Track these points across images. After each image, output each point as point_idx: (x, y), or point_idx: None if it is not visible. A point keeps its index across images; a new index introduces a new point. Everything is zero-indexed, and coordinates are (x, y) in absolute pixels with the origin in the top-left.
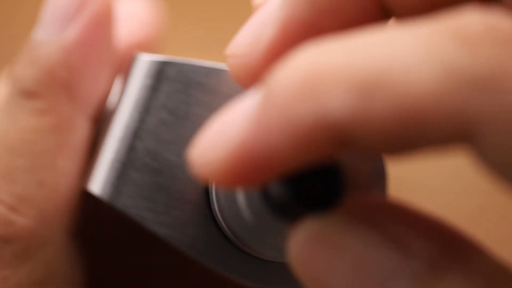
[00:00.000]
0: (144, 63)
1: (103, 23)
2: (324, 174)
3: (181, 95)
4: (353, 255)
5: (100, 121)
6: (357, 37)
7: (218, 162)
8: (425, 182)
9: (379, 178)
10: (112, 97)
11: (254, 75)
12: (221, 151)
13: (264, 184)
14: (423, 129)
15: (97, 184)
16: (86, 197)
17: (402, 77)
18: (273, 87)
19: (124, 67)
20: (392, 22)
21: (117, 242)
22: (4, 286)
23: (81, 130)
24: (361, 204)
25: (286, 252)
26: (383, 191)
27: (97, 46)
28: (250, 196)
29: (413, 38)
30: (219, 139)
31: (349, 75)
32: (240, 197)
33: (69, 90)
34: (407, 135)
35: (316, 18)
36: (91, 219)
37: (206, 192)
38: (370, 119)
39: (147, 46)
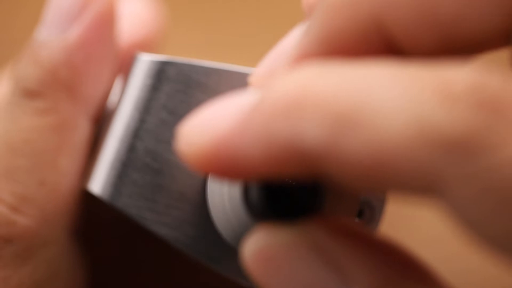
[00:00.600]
0: (144, 63)
1: (105, 23)
2: (304, 186)
3: (182, 95)
4: (294, 276)
5: (101, 121)
6: (352, 68)
7: (197, 147)
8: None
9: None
10: (113, 97)
11: None
12: (202, 138)
13: (242, 183)
14: (388, 176)
15: (97, 184)
16: (87, 197)
17: (377, 120)
18: (265, 96)
19: (125, 67)
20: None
21: (118, 242)
22: (5, 286)
23: (82, 129)
24: (315, 226)
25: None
26: (380, 207)
27: (100, 46)
28: (233, 198)
29: (399, 82)
30: (206, 125)
31: (329, 106)
32: (226, 199)
33: (71, 90)
34: (373, 177)
35: (327, 57)
36: (92, 219)
37: (205, 192)
38: (339, 154)
39: (147, 45)
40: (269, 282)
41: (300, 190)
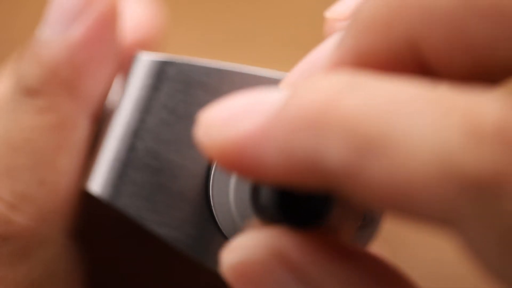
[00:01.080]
0: (144, 62)
1: (107, 23)
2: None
3: (182, 95)
4: None
5: (101, 121)
6: (381, 85)
7: (218, 141)
8: None
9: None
10: (113, 97)
11: None
12: (224, 133)
13: (252, 184)
14: (407, 205)
15: (97, 183)
16: (86, 197)
17: (402, 149)
18: (291, 102)
19: (125, 67)
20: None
21: (117, 243)
22: (2, 285)
23: (82, 129)
24: (290, 242)
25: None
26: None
27: (101, 46)
28: (240, 199)
29: (428, 107)
30: (229, 120)
31: (353, 127)
32: (232, 199)
33: (72, 89)
34: (392, 204)
35: (361, 69)
36: (91, 219)
37: (207, 192)
38: (360, 178)
39: (147, 45)
40: None
41: (311, 195)
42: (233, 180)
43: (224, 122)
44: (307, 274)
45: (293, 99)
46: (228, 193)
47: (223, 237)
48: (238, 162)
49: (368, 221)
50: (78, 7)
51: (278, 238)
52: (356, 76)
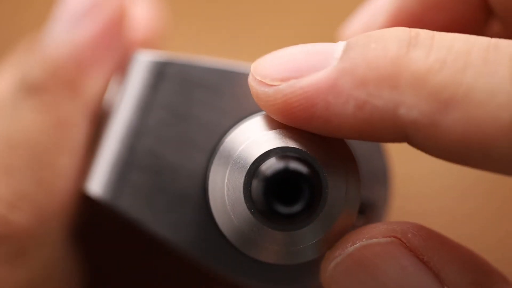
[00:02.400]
0: (144, 63)
1: (115, 25)
2: (306, 182)
3: (182, 95)
4: (390, 275)
5: (101, 121)
6: (447, 41)
7: (281, 90)
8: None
9: (381, 177)
10: (113, 97)
11: None
12: (288, 82)
13: (245, 182)
14: (479, 153)
15: (97, 184)
16: (86, 198)
17: (478, 102)
18: (361, 55)
19: (125, 67)
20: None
21: (117, 243)
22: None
23: (83, 129)
24: (406, 227)
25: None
26: (386, 189)
27: (107, 47)
28: (234, 197)
29: (502, 64)
30: (290, 70)
31: (431, 83)
32: (226, 198)
33: (74, 89)
34: (465, 151)
35: (423, 12)
36: (91, 220)
37: (205, 191)
38: (437, 129)
39: (149, 44)
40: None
41: (302, 187)
42: (226, 178)
43: (287, 72)
44: (427, 258)
45: (361, 52)
46: (224, 192)
47: (223, 236)
48: (307, 114)
49: (368, 218)
50: (86, 7)
51: (398, 225)
52: (419, 32)
